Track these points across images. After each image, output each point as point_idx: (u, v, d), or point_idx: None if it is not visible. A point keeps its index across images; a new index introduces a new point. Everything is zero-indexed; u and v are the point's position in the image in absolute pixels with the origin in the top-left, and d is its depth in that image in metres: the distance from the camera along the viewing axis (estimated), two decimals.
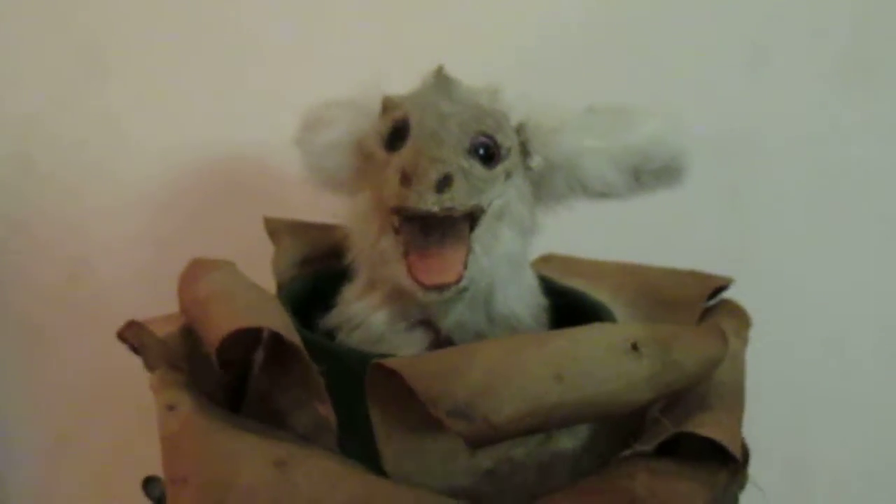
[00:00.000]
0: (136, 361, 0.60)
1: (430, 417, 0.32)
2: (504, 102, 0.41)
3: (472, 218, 0.36)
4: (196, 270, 0.38)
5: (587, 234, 0.54)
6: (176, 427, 0.31)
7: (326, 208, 0.43)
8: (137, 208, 0.64)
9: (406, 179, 0.33)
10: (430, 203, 0.33)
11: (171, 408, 0.32)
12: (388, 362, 0.30)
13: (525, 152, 0.40)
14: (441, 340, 0.39)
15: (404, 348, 0.38)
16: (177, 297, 0.39)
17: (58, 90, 0.63)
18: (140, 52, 0.63)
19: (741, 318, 0.41)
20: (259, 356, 0.39)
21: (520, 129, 0.40)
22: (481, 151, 0.37)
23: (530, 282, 0.41)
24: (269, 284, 0.43)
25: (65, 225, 0.64)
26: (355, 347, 0.37)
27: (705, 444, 0.33)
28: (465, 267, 0.36)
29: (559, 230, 0.52)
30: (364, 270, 0.40)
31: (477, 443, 0.29)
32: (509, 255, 0.39)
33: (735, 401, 0.35)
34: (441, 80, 0.40)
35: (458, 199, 0.34)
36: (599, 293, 0.46)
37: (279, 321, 0.33)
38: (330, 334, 0.40)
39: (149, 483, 0.36)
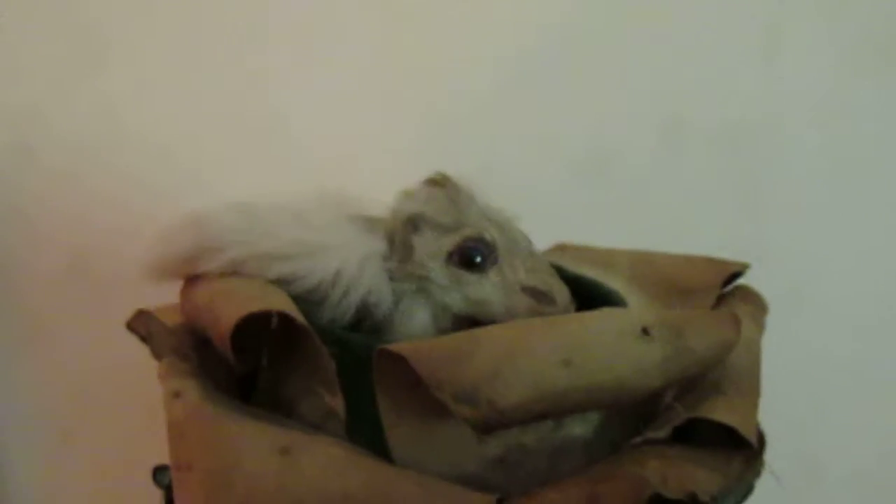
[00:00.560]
0: (139, 354, 0.61)
1: (438, 404, 0.32)
2: None
3: None
4: (191, 283, 0.38)
5: (601, 223, 0.54)
6: (182, 414, 0.31)
7: None
8: (137, 199, 0.64)
9: (545, 298, 0.37)
10: None
11: (177, 395, 0.32)
12: (395, 347, 0.30)
13: None
14: None
15: None
16: (179, 295, 0.39)
17: (57, 80, 0.63)
18: (140, 42, 0.63)
19: (757, 304, 0.41)
20: (266, 352, 0.39)
21: None
22: None
23: None
24: None
25: (64, 216, 0.64)
26: (362, 335, 0.37)
27: (720, 431, 0.32)
28: None
29: (572, 219, 0.52)
30: None
31: (484, 428, 0.29)
32: None
33: (750, 386, 0.34)
34: (463, 190, 0.40)
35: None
36: (613, 281, 0.45)
37: (287, 306, 0.32)
38: None
39: (158, 472, 0.36)
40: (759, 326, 0.39)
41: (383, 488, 0.29)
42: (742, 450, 0.32)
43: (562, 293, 0.37)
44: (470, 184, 0.40)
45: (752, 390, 0.34)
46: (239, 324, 0.31)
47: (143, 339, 0.39)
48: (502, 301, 0.37)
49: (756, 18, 0.63)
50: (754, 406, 0.33)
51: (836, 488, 0.69)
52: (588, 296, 0.42)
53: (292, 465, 0.29)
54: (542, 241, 0.42)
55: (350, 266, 0.36)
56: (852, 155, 0.64)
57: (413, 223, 0.38)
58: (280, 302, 0.33)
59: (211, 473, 0.29)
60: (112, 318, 0.62)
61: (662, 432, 0.32)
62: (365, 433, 0.32)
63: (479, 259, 0.37)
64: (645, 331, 0.31)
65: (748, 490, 0.33)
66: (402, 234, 0.38)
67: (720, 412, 0.31)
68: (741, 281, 0.43)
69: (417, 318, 0.37)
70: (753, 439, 0.31)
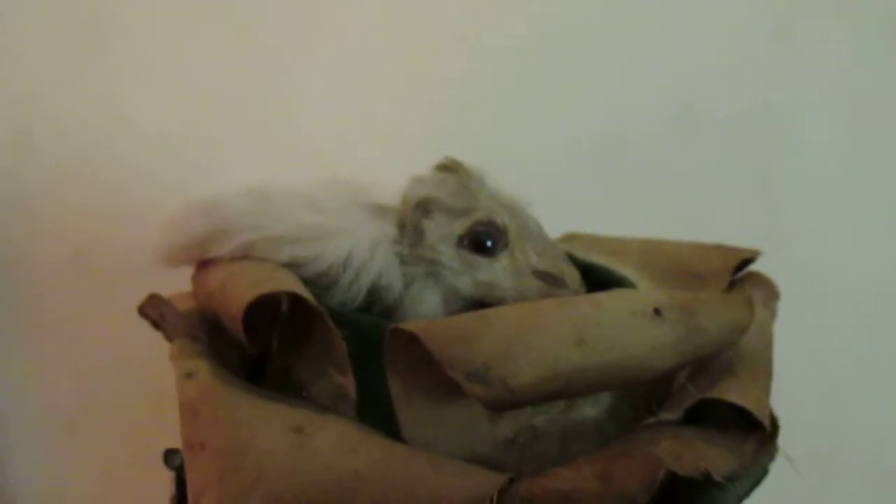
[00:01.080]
0: (144, 345, 0.60)
1: (449, 385, 0.31)
2: None
3: None
4: (202, 268, 0.38)
5: (611, 211, 0.54)
6: (194, 394, 0.31)
7: None
8: (140, 188, 0.64)
9: (557, 282, 0.37)
10: None
11: (189, 375, 0.32)
12: (407, 325, 0.30)
13: None
14: None
15: None
16: (190, 281, 0.39)
17: (58, 68, 0.63)
18: (142, 29, 0.62)
19: (769, 290, 0.40)
20: (277, 335, 0.39)
21: None
22: None
23: None
24: None
25: (67, 206, 0.63)
26: (373, 317, 0.37)
27: (732, 414, 0.32)
28: None
29: (582, 207, 0.52)
30: None
31: (495, 407, 0.29)
32: None
33: (763, 370, 0.34)
34: (474, 175, 0.40)
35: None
36: (624, 269, 0.45)
37: (299, 288, 0.32)
38: None
39: (169, 455, 0.36)
40: (772, 312, 0.39)
41: (395, 467, 0.29)
42: (755, 433, 0.32)
43: (573, 277, 0.37)
44: (481, 169, 0.40)
45: (764, 374, 0.34)
46: (250, 305, 0.31)
47: (155, 323, 0.38)
48: (513, 285, 0.37)
49: (767, 2, 0.62)
50: (767, 389, 0.33)
51: (851, 481, 0.69)
52: (599, 282, 0.42)
53: (305, 443, 0.29)
54: (551, 228, 0.42)
55: (361, 249, 0.36)
56: (867, 140, 0.63)
57: (424, 207, 0.38)
58: (291, 284, 0.33)
59: (223, 452, 0.29)
60: (116, 308, 0.62)
61: (675, 413, 0.32)
62: (375, 415, 0.32)
63: (489, 243, 0.37)
64: (657, 311, 0.31)
65: (762, 474, 0.33)
66: (412, 218, 0.38)
67: (733, 394, 0.31)
68: (753, 268, 0.43)
69: (428, 301, 0.37)
70: (766, 421, 0.31)
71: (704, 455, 0.28)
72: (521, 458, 0.32)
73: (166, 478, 0.39)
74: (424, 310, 0.37)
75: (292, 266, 0.36)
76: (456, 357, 0.28)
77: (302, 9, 0.63)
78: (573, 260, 0.43)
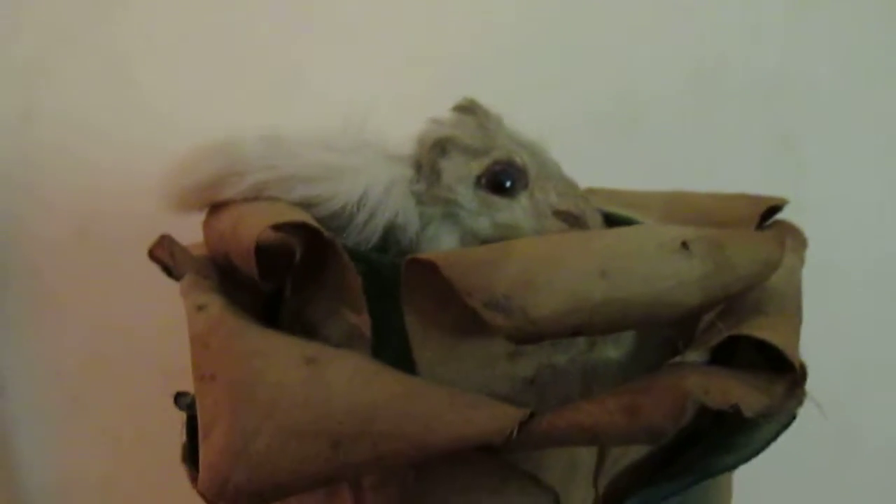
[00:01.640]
0: (148, 318, 0.60)
1: (468, 321, 0.30)
2: None
3: None
4: (214, 211, 0.37)
5: (629, 175, 0.52)
6: (205, 326, 0.30)
7: None
8: (146, 161, 0.63)
9: (578, 222, 0.36)
10: None
11: (200, 308, 0.31)
12: (425, 255, 0.29)
13: None
14: None
15: None
16: (202, 227, 0.38)
17: (62, 32, 0.61)
18: None
19: (797, 237, 0.39)
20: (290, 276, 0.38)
21: None
22: None
23: None
24: None
25: (72, 180, 0.62)
26: (388, 256, 0.36)
27: (760, 359, 0.31)
28: None
29: (599, 171, 0.50)
30: None
31: (515, 338, 0.28)
32: None
33: (792, 310, 0.32)
34: (492, 115, 0.39)
35: None
36: (647, 219, 0.44)
37: (314, 222, 0.31)
38: None
39: (179, 396, 0.35)
40: (800, 259, 0.38)
41: (412, 399, 0.27)
42: (784, 375, 0.30)
43: (594, 217, 0.36)
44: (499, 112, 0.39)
45: (794, 314, 0.32)
46: (263, 244, 0.31)
47: (166, 268, 0.38)
48: (533, 226, 0.36)
49: None
50: (797, 330, 0.32)
51: (874, 459, 0.67)
52: None
53: (318, 374, 0.28)
54: None
55: (376, 188, 0.35)
56: (888, 105, 0.62)
57: (441, 147, 0.37)
58: (308, 218, 0.32)
59: (235, 383, 0.28)
60: (120, 282, 0.62)
61: (701, 354, 0.31)
62: (390, 355, 0.31)
63: (508, 183, 0.36)
64: (685, 244, 0.29)
65: (790, 419, 0.32)
66: (429, 157, 0.37)
67: (763, 331, 0.30)
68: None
69: (445, 243, 0.36)
70: (796, 361, 0.30)
71: (734, 390, 0.27)
72: (541, 399, 0.31)
73: (173, 453, 0.38)
74: None
75: (305, 206, 0.35)
76: (475, 285, 0.27)
77: None
78: None
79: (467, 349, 0.31)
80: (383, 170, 0.36)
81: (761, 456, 0.32)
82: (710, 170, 0.60)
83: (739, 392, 0.27)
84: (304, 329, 0.34)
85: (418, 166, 0.37)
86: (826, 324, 0.58)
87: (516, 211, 0.36)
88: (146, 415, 0.61)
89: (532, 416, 0.27)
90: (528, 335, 0.28)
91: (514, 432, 0.26)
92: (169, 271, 0.38)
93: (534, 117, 0.60)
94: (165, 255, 0.36)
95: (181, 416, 0.38)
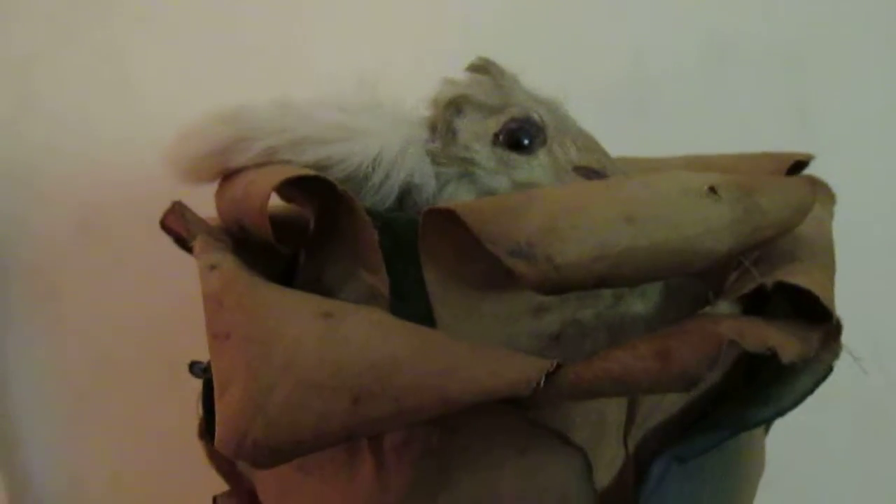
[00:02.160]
0: (153, 312, 0.58)
1: (489, 276, 0.30)
2: None
3: None
4: (226, 180, 0.36)
5: (642, 150, 0.51)
6: (218, 284, 0.29)
7: None
8: (148, 153, 0.62)
9: (599, 177, 0.35)
10: None
11: (213, 267, 0.30)
12: (444, 204, 0.28)
13: None
14: None
15: None
16: (214, 198, 0.37)
17: (59, 26, 0.60)
18: None
19: (826, 192, 0.38)
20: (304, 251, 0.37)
21: None
22: None
23: None
24: None
25: (73, 173, 0.61)
26: (405, 214, 0.35)
27: (794, 311, 0.30)
28: None
29: (611, 146, 0.49)
30: None
31: (540, 287, 0.27)
32: None
33: (826, 258, 0.31)
34: (508, 73, 0.38)
35: None
36: None
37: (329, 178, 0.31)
38: None
39: (193, 364, 0.34)
40: (830, 214, 0.37)
41: (433, 351, 0.26)
42: (820, 325, 0.29)
43: (616, 172, 0.35)
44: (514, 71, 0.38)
45: (828, 263, 0.31)
46: (274, 215, 0.30)
47: (179, 239, 0.37)
48: (553, 183, 0.35)
49: None
50: (832, 279, 0.31)
51: None
52: None
53: (335, 329, 0.27)
54: None
55: (391, 149, 0.34)
56: None
57: (456, 105, 0.36)
58: (318, 174, 0.31)
59: (250, 340, 0.27)
60: (125, 276, 0.61)
61: (732, 303, 0.30)
62: (410, 317, 0.30)
63: (526, 140, 0.35)
64: (713, 189, 0.28)
65: (826, 371, 0.31)
66: (444, 117, 0.36)
67: (798, 276, 0.28)
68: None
69: None
70: (832, 307, 0.29)
71: (770, 335, 0.26)
72: (567, 356, 0.30)
73: (181, 449, 0.37)
74: None
75: (318, 169, 0.34)
76: (497, 233, 0.26)
77: None
78: None
79: (489, 305, 0.30)
80: (398, 130, 0.35)
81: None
82: (723, 145, 0.59)
83: (777, 337, 0.26)
84: (321, 293, 0.34)
85: (434, 127, 0.36)
86: (842, 296, 0.56)
87: (535, 168, 0.35)
88: (153, 411, 0.60)
89: (559, 366, 0.26)
90: (554, 284, 0.26)
91: (541, 383, 0.25)
92: (182, 242, 0.37)
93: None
94: (178, 223, 0.35)
95: (191, 408, 0.37)
